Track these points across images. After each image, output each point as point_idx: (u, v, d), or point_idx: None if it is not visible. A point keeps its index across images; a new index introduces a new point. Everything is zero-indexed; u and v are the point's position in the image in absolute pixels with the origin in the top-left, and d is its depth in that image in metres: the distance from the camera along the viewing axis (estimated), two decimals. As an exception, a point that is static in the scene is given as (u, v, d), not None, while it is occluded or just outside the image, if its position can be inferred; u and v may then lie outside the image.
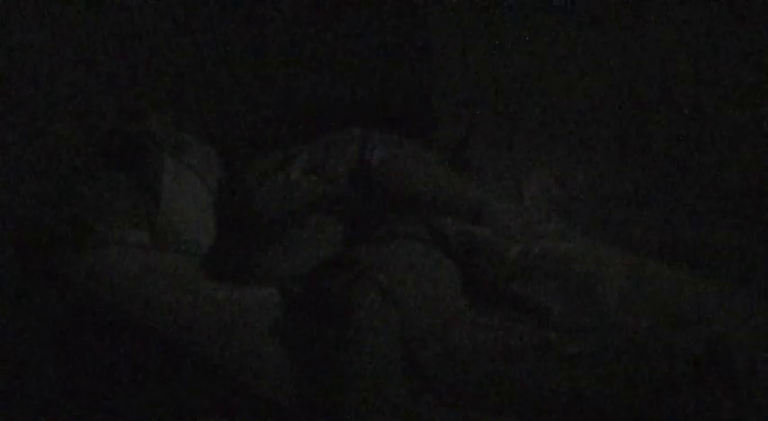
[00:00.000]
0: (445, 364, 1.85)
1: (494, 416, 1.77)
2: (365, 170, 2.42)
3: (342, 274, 2.10)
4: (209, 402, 2.01)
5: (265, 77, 3.05)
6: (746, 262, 2.31)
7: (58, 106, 2.61)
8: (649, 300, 2.03)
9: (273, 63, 3.06)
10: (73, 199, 2.52)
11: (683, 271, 2.18)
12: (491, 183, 2.55)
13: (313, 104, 3.12)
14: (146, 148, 2.56)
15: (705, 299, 2.02)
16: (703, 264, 2.31)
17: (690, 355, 1.79)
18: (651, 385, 1.75)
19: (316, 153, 2.47)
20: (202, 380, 2.02)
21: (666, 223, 2.48)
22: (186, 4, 2.82)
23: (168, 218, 2.45)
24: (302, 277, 2.26)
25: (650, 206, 2.53)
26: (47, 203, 2.55)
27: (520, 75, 2.97)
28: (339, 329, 1.90)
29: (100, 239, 2.43)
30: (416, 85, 3.22)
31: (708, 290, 2.06)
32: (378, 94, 3.25)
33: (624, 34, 2.74)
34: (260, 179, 2.46)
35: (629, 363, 1.80)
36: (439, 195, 2.34)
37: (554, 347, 1.87)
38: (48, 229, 2.50)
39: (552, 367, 1.83)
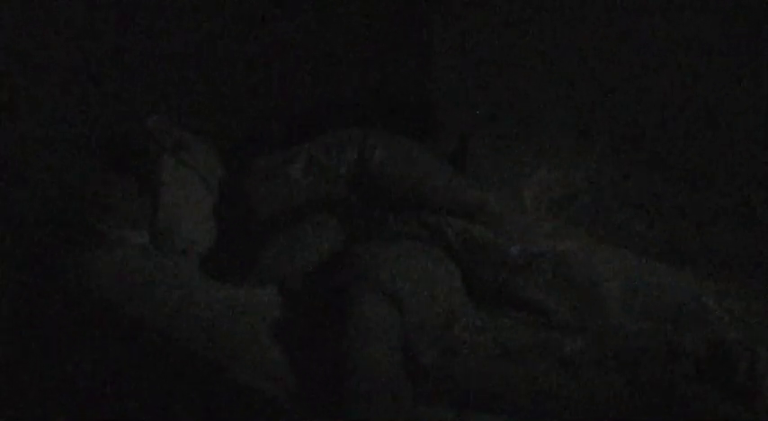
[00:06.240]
0: (445, 364, 1.85)
1: (494, 416, 1.77)
2: (365, 170, 2.42)
3: (342, 274, 2.11)
4: (209, 402, 2.01)
5: (265, 77, 3.05)
6: (746, 262, 2.31)
7: (58, 106, 2.61)
8: (649, 300, 2.03)
9: (273, 63, 3.06)
10: (73, 199, 2.52)
11: (683, 271, 2.18)
12: (491, 183, 2.55)
13: (313, 104, 3.12)
14: (146, 148, 2.56)
15: (705, 299, 2.02)
16: (703, 264, 2.31)
17: (690, 355, 1.79)
18: (651, 385, 1.75)
19: (316, 153, 2.47)
20: (202, 379, 2.02)
21: (666, 223, 2.48)
22: (186, 4, 2.82)
23: (168, 218, 2.45)
24: (302, 277, 2.26)
25: (650, 206, 2.53)
26: (47, 204, 2.55)
27: (520, 74, 2.97)
28: (339, 329, 1.90)
29: (100, 239, 2.43)
30: (416, 85, 3.22)
31: (708, 290, 2.06)
32: (378, 94, 3.24)
33: (626, 35, 2.74)
34: (260, 179, 2.46)
35: (629, 363, 1.80)
36: (439, 195, 2.34)
37: (554, 347, 1.87)
38: (48, 230, 2.50)
39: (552, 367, 1.83)
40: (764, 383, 1.71)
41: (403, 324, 1.93)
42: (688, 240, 2.41)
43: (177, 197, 2.48)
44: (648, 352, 1.81)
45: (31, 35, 2.53)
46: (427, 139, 2.83)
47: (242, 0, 2.95)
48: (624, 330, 1.95)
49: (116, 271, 2.32)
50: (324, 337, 1.94)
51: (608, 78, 2.79)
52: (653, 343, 1.84)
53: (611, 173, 2.61)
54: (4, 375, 2.49)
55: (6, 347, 2.51)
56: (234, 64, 2.97)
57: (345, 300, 1.97)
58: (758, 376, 1.71)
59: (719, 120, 2.61)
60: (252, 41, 2.99)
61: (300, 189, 2.43)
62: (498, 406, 1.79)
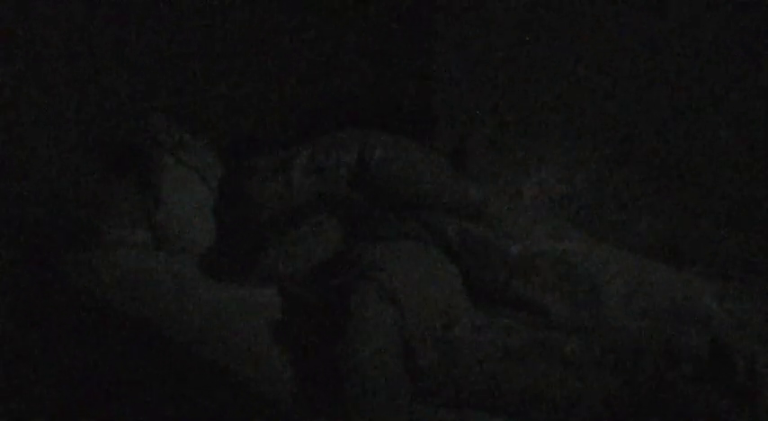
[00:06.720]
0: (445, 364, 1.85)
1: (494, 416, 1.77)
2: (365, 170, 2.42)
3: (342, 274, 2.11)
4: (209, 402, 2.01)
5: (265, 77, 3.05)
6: (746, 262, 2.31)
7: (58, 106, 2.61)
8: (649, 300, 2.03)
9: (273, 63, 3.06)
10: (73, 199, 2.52)
11: (683, 271, 2.18)
12: (491, 183, 2.55)
13: (313, 104, 3.12)
14: (146, 149, 2.56)
15: (705, 299, 2.02)
16: (703, 264, 2.31)
17: (690, 355, 1.79)
18: (651, 385, 1.75)
19: (316, 153, 2.46)
20: (202, 379, 2.02)
21: (666, 223, 2.48)
22: (186, 5, 2.82)
23: (168, 218, 2.45)
24: (302, 277, 2.26)
25: (650, 206, 2.53)
26: (47, 204, 2.55)
27: (520, 75, 2.97)
28: (339, 329, 1.90)
29: (101, 239, 2.43)
30: (416, 85, 3.22)
31: (708, 290, 2.06)
32: (378, 94, 3.24)
33: (626, 35, 2.74)
34: (260, 179, 2.46)
35: (629, 363, 1.80)
36: (439, 195, 2.34)
37: (554, 347, 1.87)
38: (48, 230, 2.50)
39: (552, 367, 1.83)
40: (764, 383, 1.71)
41: (403, 324, 1.93)
42: (688, 240, 2.41)
43: (177, 197, 2.48)
44: (648, 352, 1.81)
45: (30, 34, 2.53)
46: (427, 139, 2.83)
47: (243, 0, 2.96)
48: (624, 330, 1.95)
49: (116, 271, 2.32)
50: (324, 337, 1.94)
51: (608, 79, 2.79)
52: (653, 343, 1.84)
53: (611, 173, 2.61)
54: (3, 374, 2.49)
55: (6, 347, 2.51)
56: (234, 64, 2.97)
57: (345, 299, 1.97)
58: (758, 376, 1.71)
59: (720, 120, 2.61)
60: (252, 41, 2.99)
61: (300, 189, 2.43)
62: (498, 406, 1.79)
